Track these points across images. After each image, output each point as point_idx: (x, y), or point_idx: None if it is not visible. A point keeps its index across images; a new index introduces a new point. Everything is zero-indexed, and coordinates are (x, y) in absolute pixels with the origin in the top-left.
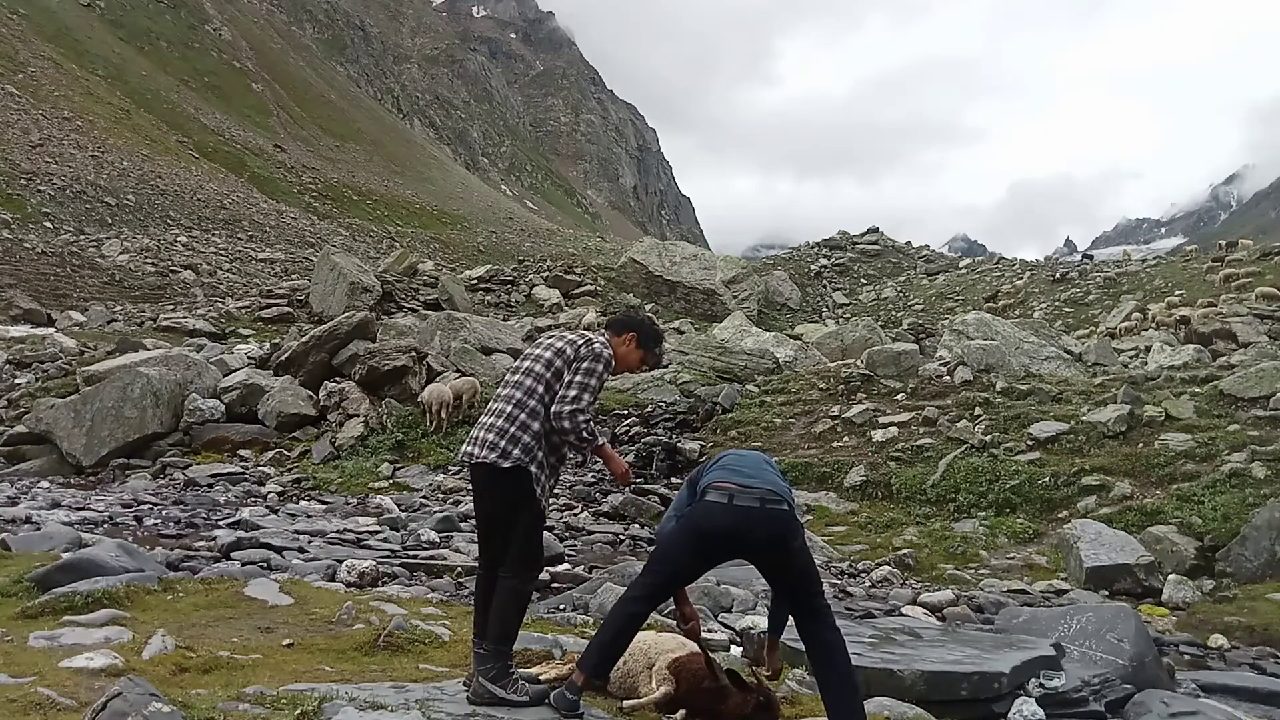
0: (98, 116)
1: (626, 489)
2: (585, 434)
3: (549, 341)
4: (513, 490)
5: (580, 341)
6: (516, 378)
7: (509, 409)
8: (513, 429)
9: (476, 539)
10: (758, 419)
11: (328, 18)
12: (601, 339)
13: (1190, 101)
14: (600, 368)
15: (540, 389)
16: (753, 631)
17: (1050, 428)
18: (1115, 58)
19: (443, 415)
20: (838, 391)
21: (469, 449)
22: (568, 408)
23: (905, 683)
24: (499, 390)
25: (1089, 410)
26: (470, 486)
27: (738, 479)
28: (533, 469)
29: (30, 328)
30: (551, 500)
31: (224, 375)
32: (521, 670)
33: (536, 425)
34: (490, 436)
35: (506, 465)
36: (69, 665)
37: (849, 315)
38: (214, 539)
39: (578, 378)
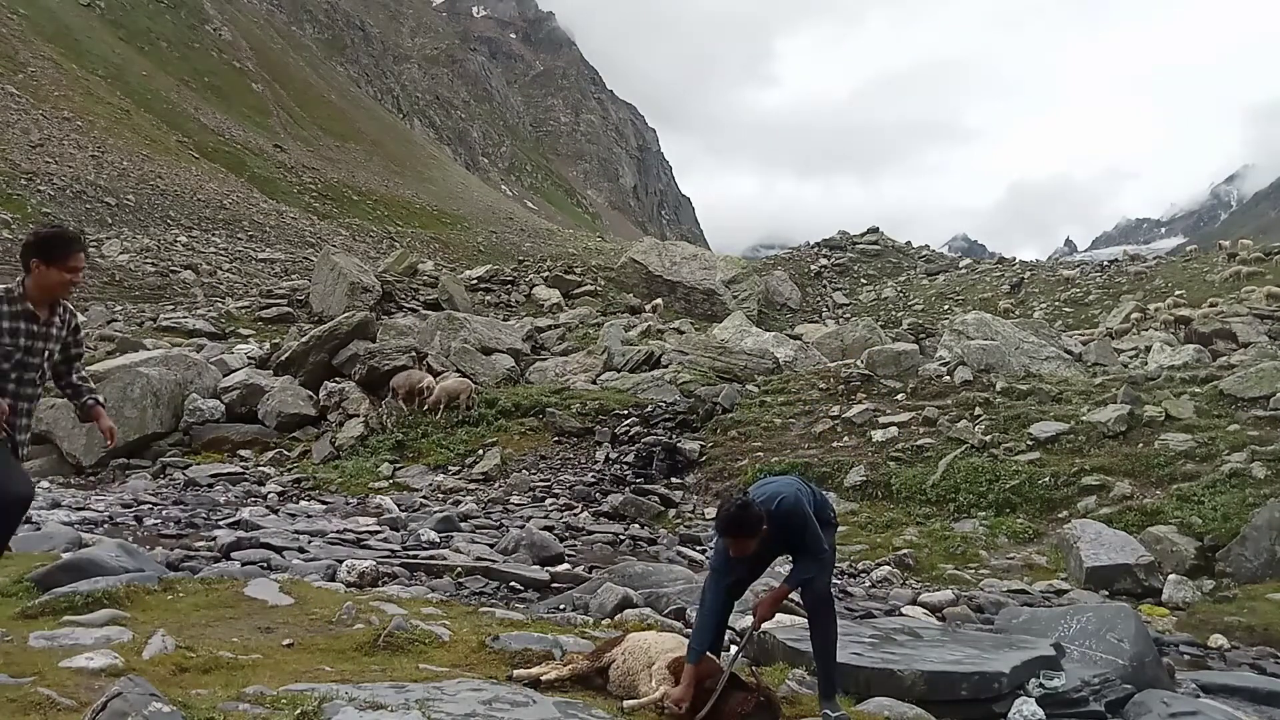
0: (98, 116)
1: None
2: None
3: None
4: None
5: None
6: None
7: None
8: None
9: None
10: (758, 419)
11: (328, 18)
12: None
13: (1190, 101)
14: None
15: None
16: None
17: (1050, 428)
18: (1115, 58)
19: (404, 397)
20: (838, 391)
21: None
22: None
23: (905, 683)
24: None
25: (1089, 410)
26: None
27: None
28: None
29: None
30: (551, 500)
31: (224, 375)
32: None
33: None
34: None
35: None
36: (69, 665)
37: (849, 315)
38: (214, 539)
39: None
